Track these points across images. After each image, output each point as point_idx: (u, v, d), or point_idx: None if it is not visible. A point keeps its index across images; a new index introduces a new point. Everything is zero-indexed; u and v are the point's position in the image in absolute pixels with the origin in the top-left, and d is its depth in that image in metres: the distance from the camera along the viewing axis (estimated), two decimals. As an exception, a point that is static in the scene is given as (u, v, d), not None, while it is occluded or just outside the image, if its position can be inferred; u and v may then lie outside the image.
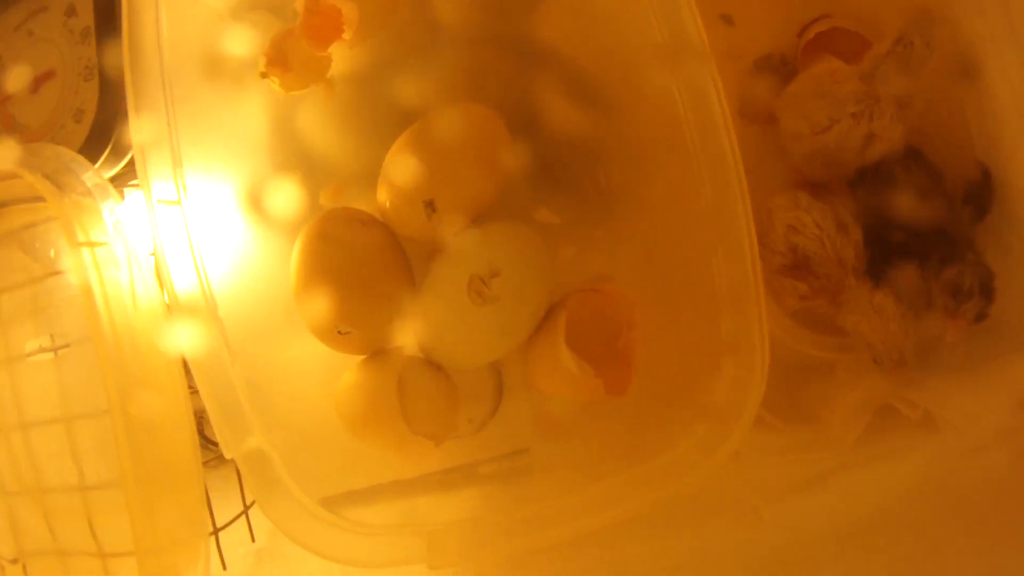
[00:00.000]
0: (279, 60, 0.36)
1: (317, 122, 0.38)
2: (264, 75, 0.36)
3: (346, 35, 0.34)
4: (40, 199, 0.33)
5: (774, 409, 0.37)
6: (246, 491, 0.40)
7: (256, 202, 0.36)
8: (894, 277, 0.36)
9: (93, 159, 0.38)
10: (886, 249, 0.37)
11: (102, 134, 0.39)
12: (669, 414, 0.34)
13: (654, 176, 0.36)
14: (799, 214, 0.36)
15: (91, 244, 0.31)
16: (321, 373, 0.36)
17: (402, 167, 0.33)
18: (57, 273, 0.36)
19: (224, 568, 0.39)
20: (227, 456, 0.31)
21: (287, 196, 0.37)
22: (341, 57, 0.35)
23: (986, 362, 0.37)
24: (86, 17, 0.41)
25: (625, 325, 0.35)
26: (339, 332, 0.33)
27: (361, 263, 0.33)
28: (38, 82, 0.43)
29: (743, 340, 0.31)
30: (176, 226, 0.33)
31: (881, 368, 0.36)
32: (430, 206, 0.33)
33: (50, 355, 0.36)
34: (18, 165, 0.32)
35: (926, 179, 0.38)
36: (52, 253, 0.36)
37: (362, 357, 0.35)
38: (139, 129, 0.32)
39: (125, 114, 0.34)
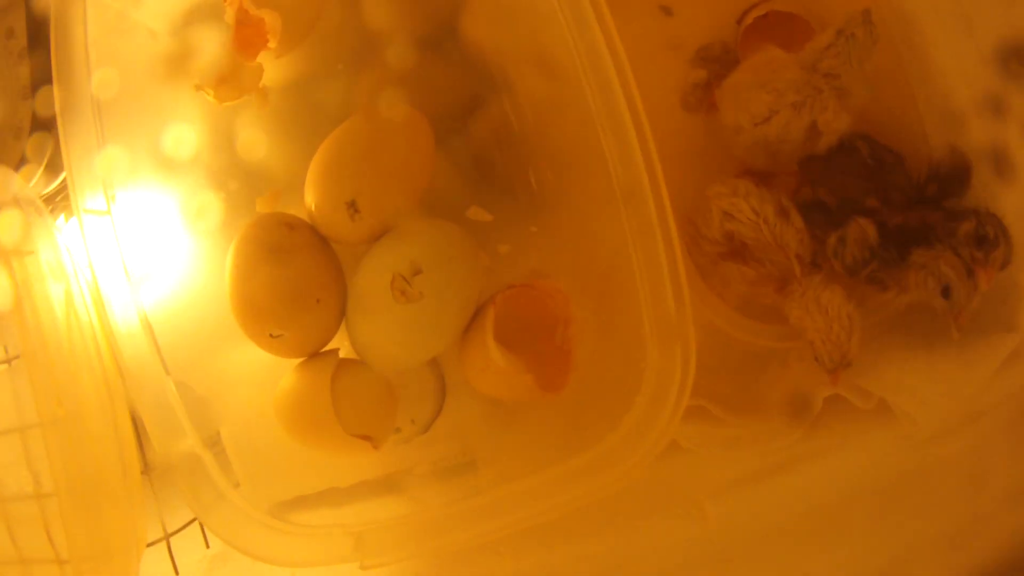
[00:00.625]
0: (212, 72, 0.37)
1: (252, 131, 0.39)
2: (198, 87, 0.37)
3: (271, 44, 0.35)
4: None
5: (720, 400, 0.36)
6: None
7: (193, 210, 0.37)
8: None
9: (29, 175, 0.39)
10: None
11: (36, 151, 0.40)
12: (603, 405, 0.33)
13: (577, 173, 0.35)
14: (735, 200, 0.35)
15: (18, 253, 0.32)
16: (262, 377, 0.37)
17: (325, 169, 0.34)
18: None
19: (176, 574, 0.39)
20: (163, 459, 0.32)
21: (222, 204, 0.38)
22: (273, 66, 0.36)
23: (943, 348, 0.36)
24: (22, 38, 0.42)
25: (561, 321, 0.35)
26: (271, 335, 0.34)
27: (288, 267, 0.33)
28: None
29: (664, 329, 0.31)
30: (107, 236, 0.34)
31: (822, 367, 0.34)
32: (352, 207, 0.33)
33: (4, 366, 0.38)
34: None
35: (887, 157, 0.37)
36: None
37: (300, 360, 0.36)
38: (68, 141, 0.33)
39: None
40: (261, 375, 0.36)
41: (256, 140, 0.38)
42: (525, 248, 0.36)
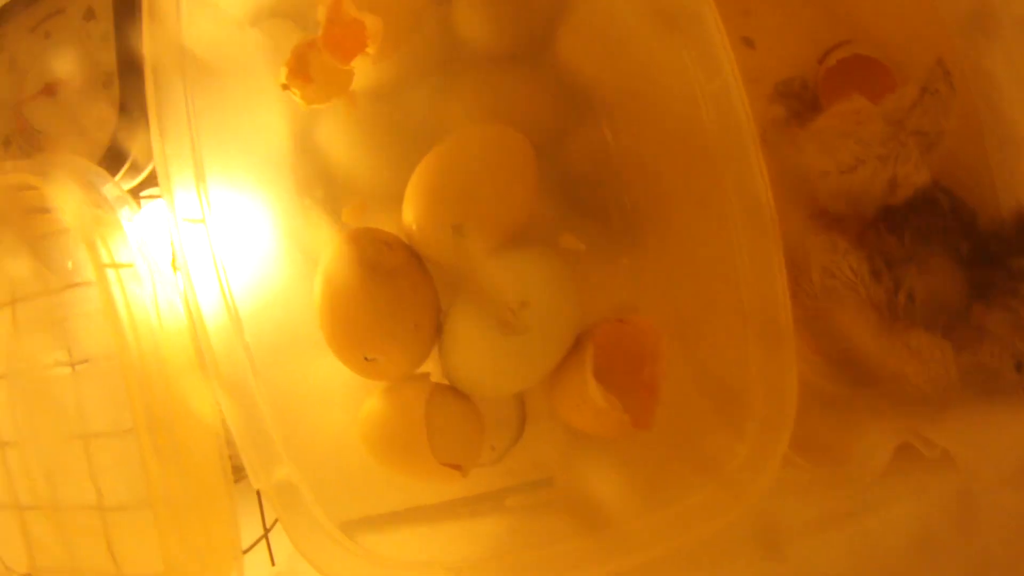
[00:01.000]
0: (300, 72, 0.35)
1: (339, 137, 0.37)
2: (285, 87, 0.35)
3: (370, 49, 0.33)
4: (57, 211, 0.32)
5: (796, 445, 0.37)
6: (273, 520, 0.39)
7: (279, 219, 0.36)
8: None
9: (113, 170, 0.37)
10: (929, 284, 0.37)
11: (122, 145, 0.37)
12: (697, 449, 0.33)
13: (681, 202, 0.35)
14: (836, 258, 0.36)
15: (116, 266, 0.30)
16: (344, 395, 0.35)
17: (430, 189, 0.33)
18: (75, 285, 0.35)
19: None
20: (256, 487, 0.31)
21: (310, 214, 0.36)
22: (364, 71, 0.34)
23: (1004, 401, 0.37)
24: (105, 21, 0.39)
25: (650, 356, 0.35)
26: (365, 359, 0.33)
27: (388, 288, 0.32)
28: (55, 87, 0.41)
29: (772, 376, 0.31)
30: (199, 243, 0.32)
31: (928, 402, 0.35)
32: (458, 230, 0.32)
33: (67, 369, 0.36)
34: (37, 175, 0.31)
35: (964, 212, 0.38)
36: (70, 265, 0.35)
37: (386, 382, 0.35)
38: (162, 143, 0.31)
39: (145, 124, 0.33)
40: (342, 392, 0.36)
41: (343, 146, 0.37)
42: (616, 279, 0.36)
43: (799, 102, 0.41)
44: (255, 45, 0.36)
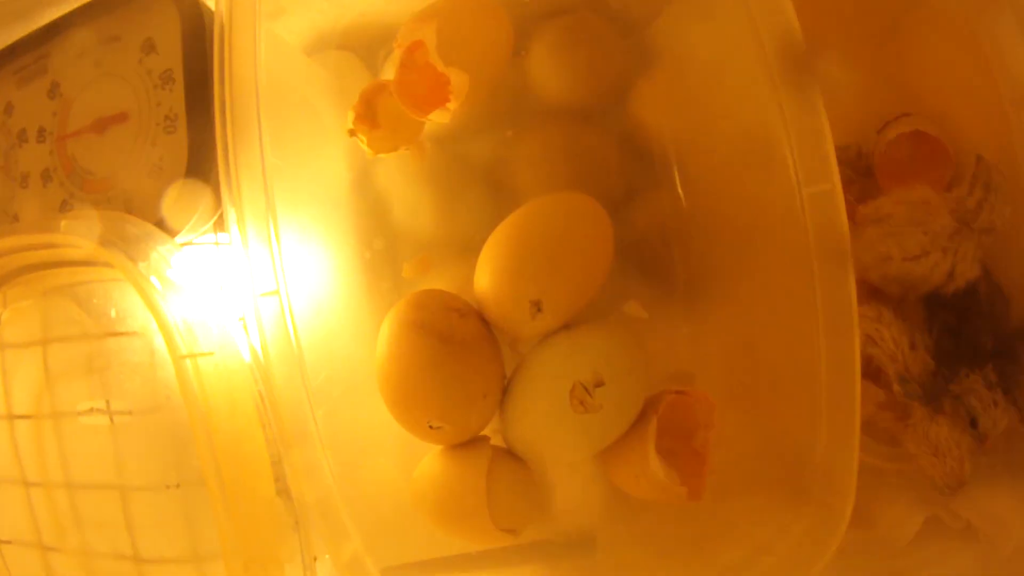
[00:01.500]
0: (368, 117, 0.34)
1: (399, 186, 0.36)
2: (352, 133, 0.33)
3: (452, 105, 0.32)
4: (106, 264, 0.30)
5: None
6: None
7: (340, 271, 0.34)
8: (966, 396, 0.37)
9: (177, 224, 0.34)
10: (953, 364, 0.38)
11: (189, 202, 0.34)
12: (749, 524, 0.34)
13: (750, 270, 0.35)
14: (879, 327, 0.36)
15: (194, 356, 0.28)
16: (396, 446, 0.35)
17: (508, 261, 0.32)
18: (117, 335, 0.33)
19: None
20: (336, 568, 0.30)
21: (370, 266, 0.35)
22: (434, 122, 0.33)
23: (1020, 474, 0.39)
24: (168, 58, 0.36)
25: (703, 425, 0.36)
26: (430, 427, 0.32)
27: (458, 359, 0.31)
28: (104, 123, 0.38)
29: (837, 461, 0.30)
30: (273, 313, 0.30)
31: (942, 494, 0.36)
32: (537, 306, 0.32)
33: (105, 419, 0.34)
34: (97, 243, 0.29)
35: (998, 301, 0.39)
36: (113, 313, 0.33)
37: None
38: (241, 205, 0.29)
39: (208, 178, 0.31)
40: (392, 442, 0.35)
41: (403, 195, 0.35)
42: (675, 347, 0.36)
43: (853, 171, 0.41)
44: (320, 84, 0.34)
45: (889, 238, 0.37)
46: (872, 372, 0.37)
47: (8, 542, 0.38)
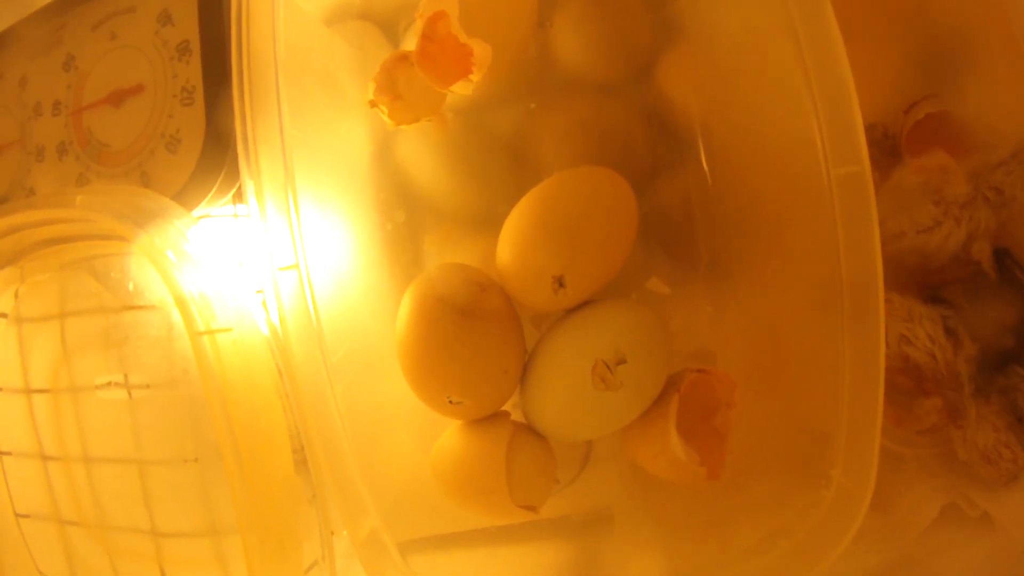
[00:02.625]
0: (389, 88, 0.33)
1: (421, 158, 0.35)
2: (373, 104, 0.33)
3: (474, 76, 0.31)
4: (122, 239, 0.29)
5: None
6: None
7: (361, 244, 0.34)
8: (1011, 392, 0.36)
9: (195, 198, 0.34)
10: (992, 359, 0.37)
11: (208, 175, 0.33)
12: (768, 505, 0.34)
13: (774, 249, 0.34)
14: (911, 325, 0.35)
15: (212, 332, 0.28)
16: (414, 420, 0.35)
17: (530, 235, 0.31)
18: (135, 308, 0.33)
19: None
20: (354, 544, 0.30)
21: (392, 239, 0.34)
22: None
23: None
24: (185, 29, 0.35)
25: (723, 404, 0.35)
26: (450, 401, 0.32)
27: (479, 334, 0.31)
28: (121, 96, 0.37)
29: (858, 451, 0.30)
30: (292, 285, 0.30)
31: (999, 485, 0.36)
32: (559, 281, 0.31)
33: (123, 393, 0.33)
34: (118, 220, 0.29)
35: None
36: (131, 286, 0.33)
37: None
38: (260, 180, 0.29)
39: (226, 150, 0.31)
40: (411, 416, 0.34)
41: (425, 167, 0.35)
42: (697, 325, 0.36)
43: (879, 150, 0.40)
44: (340, 55, 0.33)
45: (901, 213, 0.36)
46: (911, 369, 0.37)
47: (27, 516, 0.38)
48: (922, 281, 0.39)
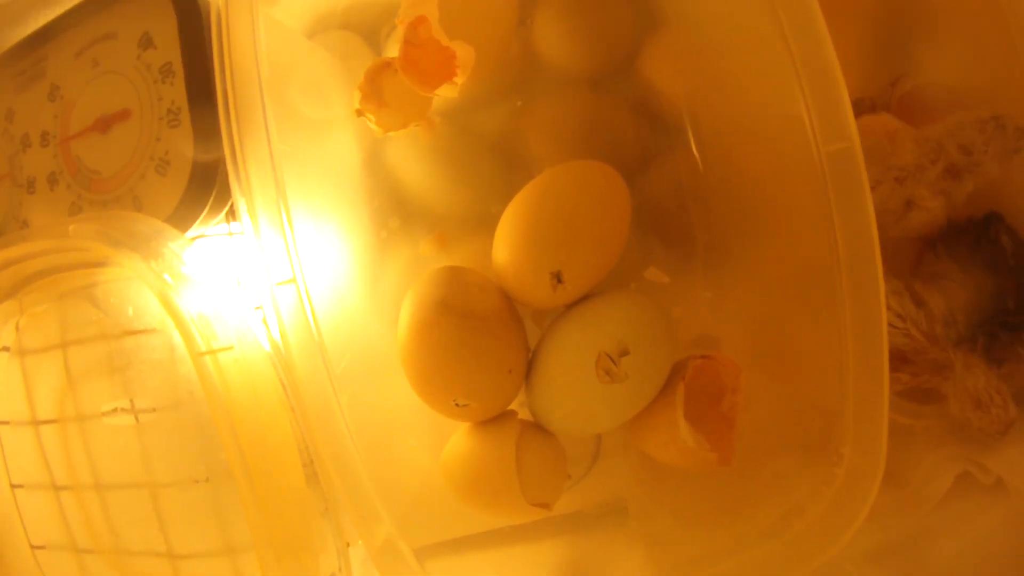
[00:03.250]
0: (374, 96, 0.33)
1: (411, 162, 0.35)
2: (359, 113, 0.33)
3: (459, 79, 0.31)
4: (118, 265, 0.29)
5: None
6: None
7: (356, 254, 0.34)
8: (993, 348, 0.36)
9: (188, 219, 0.34)
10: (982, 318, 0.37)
11: (199, 195, 0.33)
12: (778, 488, 0.34)
13: (773, 232, 0.34)
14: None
15: (214, 351, 0.28)
16: (423, 426, 0.35)
17: (525, 232, 0.31)
18: (136, 333, 0.33)
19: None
20: (370, 552, 0.30)
21: (387, 247, 0.34)
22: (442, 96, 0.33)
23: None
24: (167, 51, 0.35)
25: (729, 389, 0.35)
26: (456, 404, 0.32)
27: (481, 335, 0.31)
28: (107, 122, 0.37)
29: (866, 426, 0.30)
30: (290, 300, 0.30)
31: (991, 438, 0.36)
32: (557, 277, 0.31)
33: (130, 418, 0.33)
34: (108, 245, 0.29)
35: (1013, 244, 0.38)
36: (130, 311, 0.33)
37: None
38: (251, 196, 0.29)
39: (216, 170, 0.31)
40: (419, 423, 0.35)
41: (415, 172, 0.35)
42: (698, 312, 0.36)
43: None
44: (323, 66, 0.33)
45: None
46: (894, 354, 0.37)
47: (42, 547, 0.38)
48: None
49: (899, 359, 0.36)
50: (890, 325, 0.36)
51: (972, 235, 0.38)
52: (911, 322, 0.36)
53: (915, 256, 0.40)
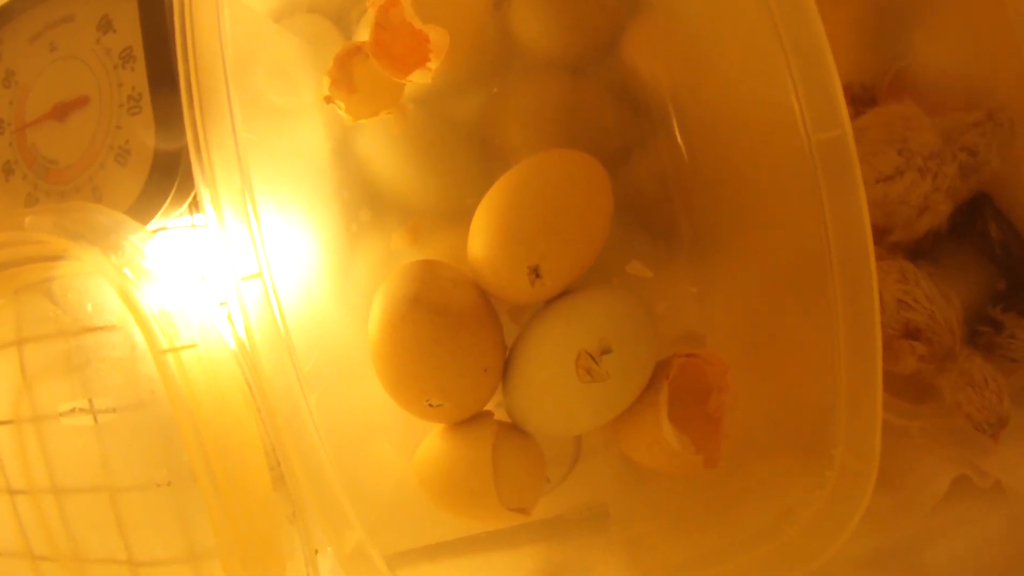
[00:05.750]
0: (344, 82, 0.33)
1: (383, 152, 0.35)
2: (328, 100, 0.33)
3: (432, 64, 0.31)
4: (76, 259, 0.29)
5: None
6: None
7: (326, 248, 0.34)
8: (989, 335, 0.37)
9: (150, 210, 0.33)
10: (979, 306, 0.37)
11: (161, 185, 0.33)
12: (768, 491, 0.34)
13: (760, 223, 0.34)
14: (909, 288, 0.36)
15: (176, 349, 0.28)
16: (396, 428, 0.35)
17: (502, 225, 0.31)
18: (95, 330, 0.32)
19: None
20: (339, 560, 0.30)
21: (358, 241, 0.34)
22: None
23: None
24: (127, 35, 0.35)
25: (715, 388, 0.35)
26: (430, 405, 0.32)
27: (455, 332, 0.31)
28: (65, 109, 0.37)
29: (859, 426, 0.30)
30: (256, 296, 0.30)
31: (983, 433, 0.36)
32: (535, 272, 0.31)
33: (89, 419, 0.33)
34: (66, 238, 0.28)
35: (1014, 247, 0.38)
36: (89, 307, 0.33)
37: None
38: (216, 188, 0.28)
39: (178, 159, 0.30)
40: (392, 424, 0.34)
41: (387, 161, 0.35)
42: (683, 308, 0.36)
43: (856, 108, 0.40)
44: (291, 51, 0.33)
45: (861, 161, 0.36)
46: (912, 332, 0.37)
47: (-3, 554, 0.38)
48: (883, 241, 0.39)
49: (916, 334, 0.37)
50: (916, 303, 0.36)
51: (962, 223, 0.38)
52: (937, 307, 0.36)
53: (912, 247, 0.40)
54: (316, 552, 0.32)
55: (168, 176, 0.33)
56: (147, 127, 0.34)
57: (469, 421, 0.33)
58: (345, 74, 0.33)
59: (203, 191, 0.30)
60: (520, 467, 0.33)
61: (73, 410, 0.33)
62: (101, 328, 0.33)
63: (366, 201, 0.35)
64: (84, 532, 0.35)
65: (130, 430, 0.33)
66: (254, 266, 0.30)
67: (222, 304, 0.32)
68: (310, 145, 0.35)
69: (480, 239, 0.31)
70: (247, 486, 0.31)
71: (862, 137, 0.38)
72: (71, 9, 0.37)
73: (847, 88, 0.40)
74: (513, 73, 0.35)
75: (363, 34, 0.33)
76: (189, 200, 0.34)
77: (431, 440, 0.33)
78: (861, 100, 0.40)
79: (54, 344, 0.34)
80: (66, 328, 0.34)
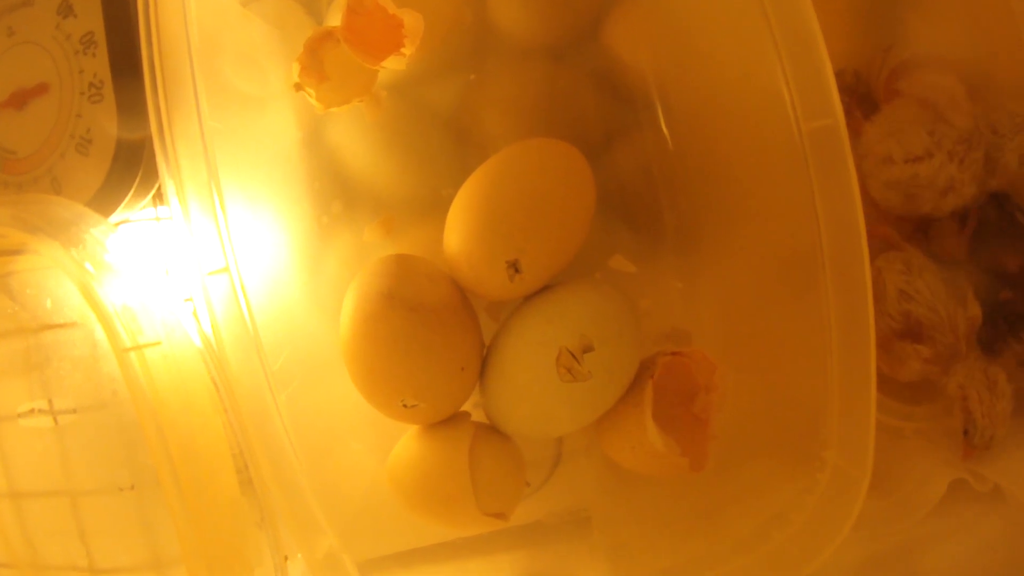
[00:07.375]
0: (315, 69, 0.32)
1: (355, 141, 0.35)
2: (298, 87, 0.32)
3: (407, 50, 0.31)
4: (35, 252, 0.29)
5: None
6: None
7: (295, 242, 0.33)
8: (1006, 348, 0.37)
9: (112, 202, 0.33)
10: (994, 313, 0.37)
11: (123, 176, 0.33)
12: (755, 495, 0.33)
13: (748, 215, 0.34)
14: (911, 279, 0.36)
15: (139, 347, 0.27)
16: (368, 429, 0.34)
17: (480, 218, 0.31)
18: (55, 327, 0.32)
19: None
20: (310, 566, 0.30)
21: (329, 234, 0.34)
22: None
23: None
24: (88, 20, 0.34)
25: (702, 388, 0.35)
26: (405, 406, 0.32)
27: (431, 330, 0.30)
28: (23, 97, 0.36)
29: (852, 428, 0.30)
30: (222, 290, 0.29)
31: (968, 443, 0.36)
32: (514, 266, 0.31)
33: (49, 420, 0.33)
34: (25, 231, 0.28)
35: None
36: (49, 303, 0.32)
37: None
38: (180, 177, 0.28)
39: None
40: (364, 425, 0.34)
41: (359, 151, 0.34)
42: (667, 304, 0.36)
43: (849, 95, 0.40)
44: (259, 36, 0.32)
45: (890, 138, 0.36)
46: (913, 326, 0.37)
47: (-47, 561, 0.38)
48: (904, 226, 0.39)
49: (919, 333, 0.37)
50: (917, 294, 0.36)
51: (985, 223, 0.38)
52: (940, 301, 0.36)
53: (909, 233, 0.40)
54: (286, 558, 0.32)
55: (131, 167, 0.33)
56: (109, 115, 0.34)
57: (445, 422, 0.33)
58: (316, 60, 0.32)
59: (167, 182, 0.30)
60: (498, 470, 0.33)
61: (32, 411, 0.33)
62: (61, 325, 0.32)
63: (338, 193, 0.34)
64: (44, 538, 0.35)
65: (91, 432, 0.33)
66: (221, 260, 0.29)
67: (187, 300, 0.32)
68: (279, 134, 0.34)
69: (456, 232, 0.31)
70: (213, 490, 0.30)
71: (894, 116, 0.38)
72: (30, -7, 0.37)
73: (840, 75, 0.40)
74: (491, 59, 0.35)
75: (334, 19, 0.33)
76: (153, 192, 0.34)
77: (406, 442, 0.33)
78: (855, 92, 0.40)
79: (12, 342, 0.34)
80: (25, 325, 0.33)
